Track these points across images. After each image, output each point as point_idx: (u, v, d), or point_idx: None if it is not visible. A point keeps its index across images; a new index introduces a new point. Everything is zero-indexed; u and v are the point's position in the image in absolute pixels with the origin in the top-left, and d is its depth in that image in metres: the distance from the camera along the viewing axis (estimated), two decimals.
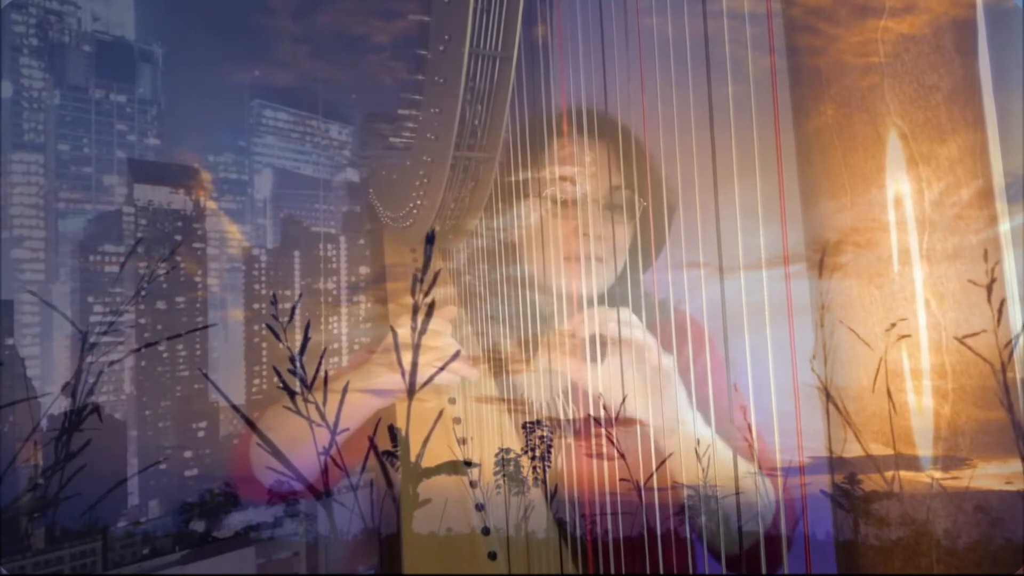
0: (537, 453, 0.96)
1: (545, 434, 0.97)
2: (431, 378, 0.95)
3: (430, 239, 0.95)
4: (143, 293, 1.15)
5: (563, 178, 1.07)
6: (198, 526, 1.05)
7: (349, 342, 1.31)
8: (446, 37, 0.93)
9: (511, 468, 0.96)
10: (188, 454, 1.25)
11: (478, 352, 1.07)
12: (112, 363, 1.02)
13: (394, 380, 0.94)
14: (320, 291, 1.39)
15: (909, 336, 0.87)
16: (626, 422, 0.96)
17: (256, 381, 1.32)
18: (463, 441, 1.01)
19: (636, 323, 0.98)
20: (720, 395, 0.94)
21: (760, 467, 0.93)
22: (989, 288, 0.85)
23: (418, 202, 1.03)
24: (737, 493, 0.93)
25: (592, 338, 0.99)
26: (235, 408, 1.06)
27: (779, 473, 0.89)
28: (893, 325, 0.87)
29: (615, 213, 1.07)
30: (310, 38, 1.33)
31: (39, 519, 0.93)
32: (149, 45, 1.41)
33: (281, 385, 0.91)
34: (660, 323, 0.97)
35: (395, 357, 0.95)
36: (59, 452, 0.92)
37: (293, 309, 0.96)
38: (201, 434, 1.27)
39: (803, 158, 0.94)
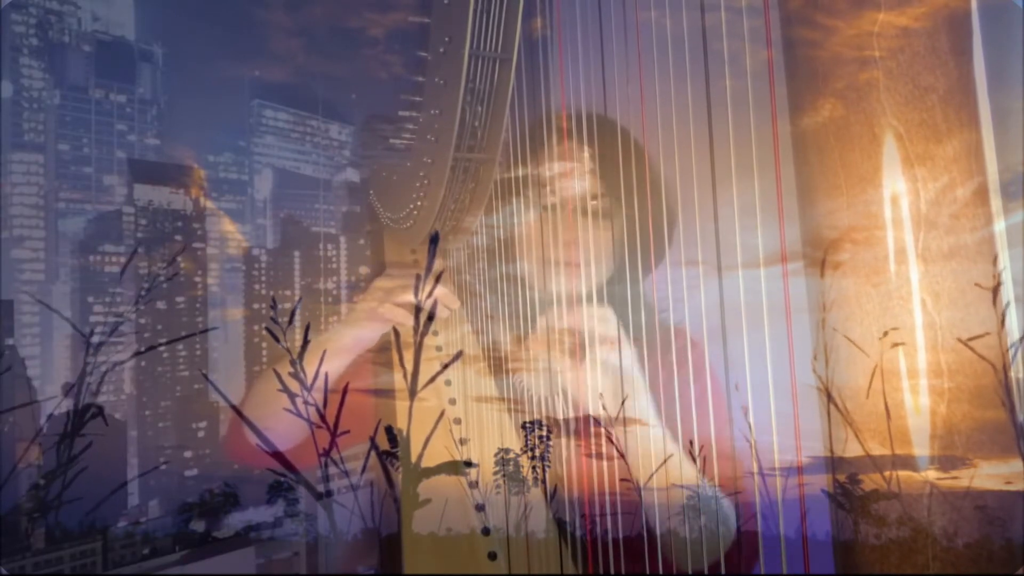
0: (537, 453, 0.96)
1: (545, 434, 0.97)
2: (434, 377, 0.96)
3: (434, 240, 0.95)
4: (143, 295, 1.15)
5: (555, 182, 1.07)
6: (198, 526, 1.05)
7: None
8: (446, 39, 0.93)
9: (511, 468, 0.96)
10: (188, 454, 1.25)
11: (477, 351, 1.08)
12: (118, 364, 1.03)
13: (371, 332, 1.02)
14: (320, 291, 1.39)
15: (904, 344, 0.87)
16: (626, 421, 0.96)
17: None
18: (463, 441, 1.01)
19: (611, 318, 0.99)
20: (720, 422, 0.93)
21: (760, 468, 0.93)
22: (995, 291, 0.86)
23: (418, 203, 1.03)
24: (736, 493, 0.93)
25: (573, 335, 1.00)
26: (236, 410, 1.06)
27: (777, 473, 0.89)
28: (886, 333, 0.87)
29: (593, 220, 1.07)
30: (305, 31, 1.33)
31: (39, 520, 0.93)
32: (149, 45, 1.41)
33: (281, 388, 0.92)
34: (660, 342, 0.97)
35: (395, 356, 0.96)
36: (61, 455, 0.92)
37: (293, 312, 0.96)
38: (201, 434, 1.27)
39: (800, 157, 0.94)
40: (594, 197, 1.07)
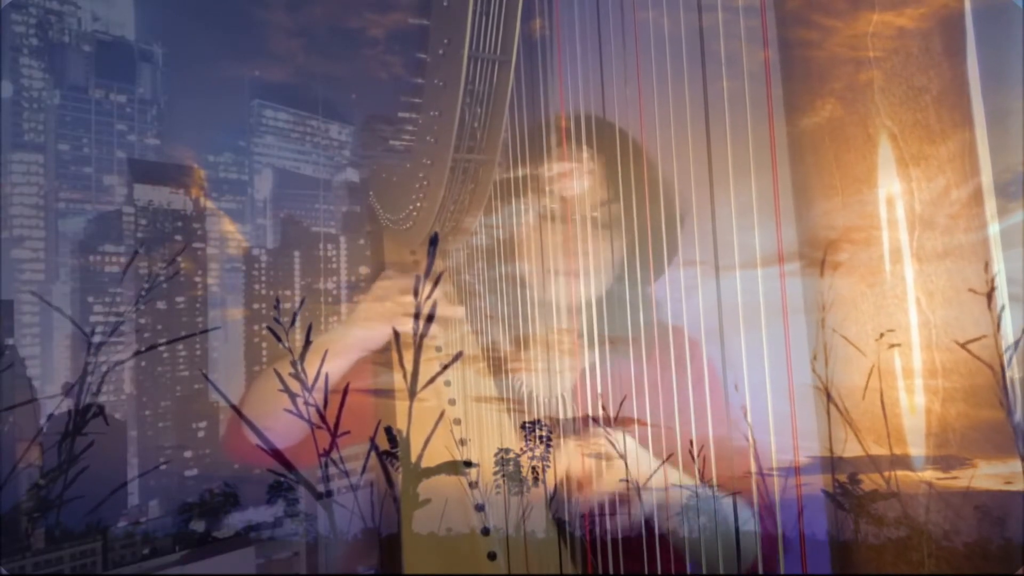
0: (537, 453, 0.97)
1: (545, 434, 0.97)
2: (434, 378, 0.96)
3: (433, 241, 0.96)
4: (143, 295, 1.15)
5: (558, 187, 1.07)
6: (198, 526, 1.05)
7: None
8: (445, 41, 0.93)
9: (511, 468, 0.96)
10: (188, 454, 1.25)
11: (477, 351, 1.08)
12: (118, 364, 1.03)
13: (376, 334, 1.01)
14: (320, 291, 1.39)
15: (898, 344, 0.87)
16: (624, 422, 0.97)
17: None
18: (463, 442, 1.01)
19: None
20: (719, 422, 0.93)
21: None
22: (989, 296, 0.86)
23: (418, 204, 1.03)
24: (734, 495, 0.93)
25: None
26: (235, 408, 1.06)
27: (775, 473, 0.89)
28: (882, 335, 0.88)
29: (604, 229, 1.07)
30: (305, 32, 1.34)
31: (40, 520, 0.93)
32: (149, 45, 1.41)
33: (282, 388, 0.92)
34: (659, 342, 0.97)
35: (395, 356, 0.96)
36: (62, 454, 0.92)
37: (295, 314, 0.97)
38: (201, 434, 1.27)
39: (797, 158, 0.95)
40: (595, 207, 1.07)
